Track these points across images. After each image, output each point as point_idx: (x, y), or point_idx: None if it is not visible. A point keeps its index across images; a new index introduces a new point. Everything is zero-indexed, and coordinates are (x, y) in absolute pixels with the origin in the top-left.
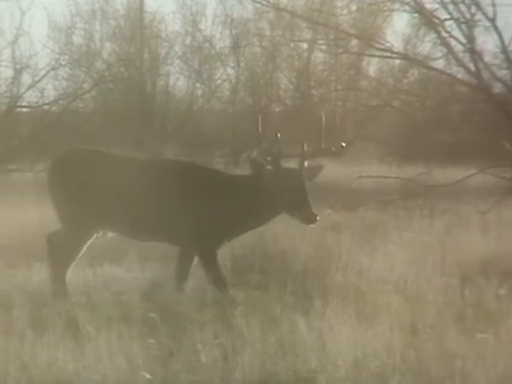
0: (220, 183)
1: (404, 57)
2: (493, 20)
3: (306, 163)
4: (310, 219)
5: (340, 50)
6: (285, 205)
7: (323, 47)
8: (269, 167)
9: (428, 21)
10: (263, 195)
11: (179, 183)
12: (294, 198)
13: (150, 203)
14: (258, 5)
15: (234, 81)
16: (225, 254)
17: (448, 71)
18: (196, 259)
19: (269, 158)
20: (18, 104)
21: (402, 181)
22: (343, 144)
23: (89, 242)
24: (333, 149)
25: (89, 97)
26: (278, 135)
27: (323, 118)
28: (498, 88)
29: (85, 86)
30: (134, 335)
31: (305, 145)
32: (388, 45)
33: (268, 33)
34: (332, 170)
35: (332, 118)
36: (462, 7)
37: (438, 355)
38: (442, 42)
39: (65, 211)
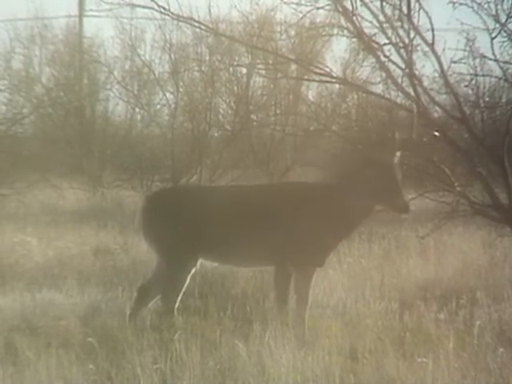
0: (312, 197)
1: (343, 81)
2: (432, 44)
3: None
4: (404, 208)
5: (279, 75)
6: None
7: (262, 72)
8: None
9: (367, 46)
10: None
11: (274, 204)
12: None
13: (247, 228)
14: (197, 30)
15: (173, 106)
16: None
17: (387, 96)
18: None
19: None
20: None
21: None
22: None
23: (191, 273)
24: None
25: (28, 122)
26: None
27: None
28: (436, 113)
29: (24, 110)
30: (73, 360)
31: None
32: (327, 69)
33: (207, 58)
34: None
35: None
36: (401, 32)
37: (378, 379)
38: (380, 66)
39: (164, 245)
